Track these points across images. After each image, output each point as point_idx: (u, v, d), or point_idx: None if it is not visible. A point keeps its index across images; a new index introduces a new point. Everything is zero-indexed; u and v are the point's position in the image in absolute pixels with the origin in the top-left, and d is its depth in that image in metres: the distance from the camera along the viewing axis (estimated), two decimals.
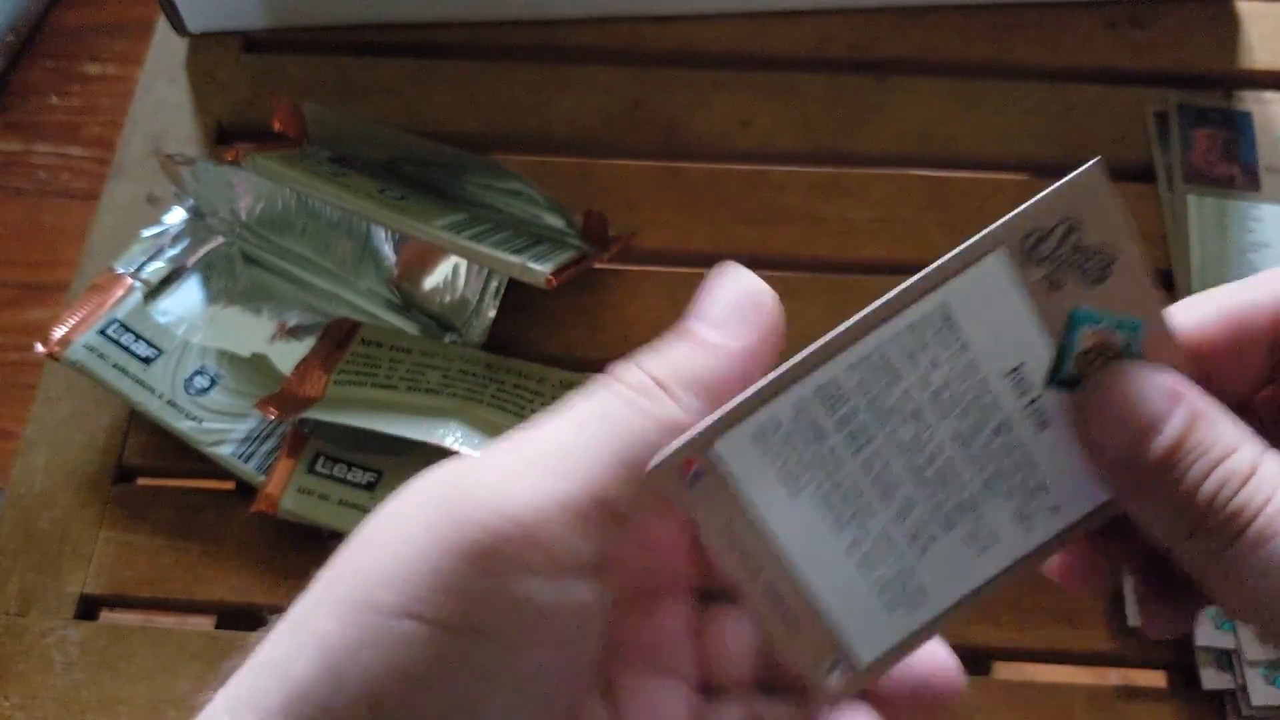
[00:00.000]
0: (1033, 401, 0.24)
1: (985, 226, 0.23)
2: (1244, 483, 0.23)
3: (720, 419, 0.23)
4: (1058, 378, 0.24)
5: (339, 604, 0.22)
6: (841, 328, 0.23)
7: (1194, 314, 0.25)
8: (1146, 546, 0.25)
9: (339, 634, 0.21)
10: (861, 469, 0.24)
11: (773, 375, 0.23)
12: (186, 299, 0.51)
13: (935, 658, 0.27)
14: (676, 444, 0.23)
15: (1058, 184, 0.23)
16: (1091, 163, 0.23)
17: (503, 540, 0.22)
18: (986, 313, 0.23)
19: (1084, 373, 0.24)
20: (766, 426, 0.23)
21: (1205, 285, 0.50)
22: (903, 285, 0.23)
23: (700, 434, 0.23)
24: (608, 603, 0.24)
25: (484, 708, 0.22)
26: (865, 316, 0.23)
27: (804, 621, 0.25)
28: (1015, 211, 0.23)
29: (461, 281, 0.51)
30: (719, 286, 0.25)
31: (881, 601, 0.25)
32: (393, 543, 0.22)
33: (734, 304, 0.25)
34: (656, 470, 0.23)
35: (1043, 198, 0.23)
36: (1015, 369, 0.24)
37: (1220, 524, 0.23)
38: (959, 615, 0.26)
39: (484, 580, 0.22)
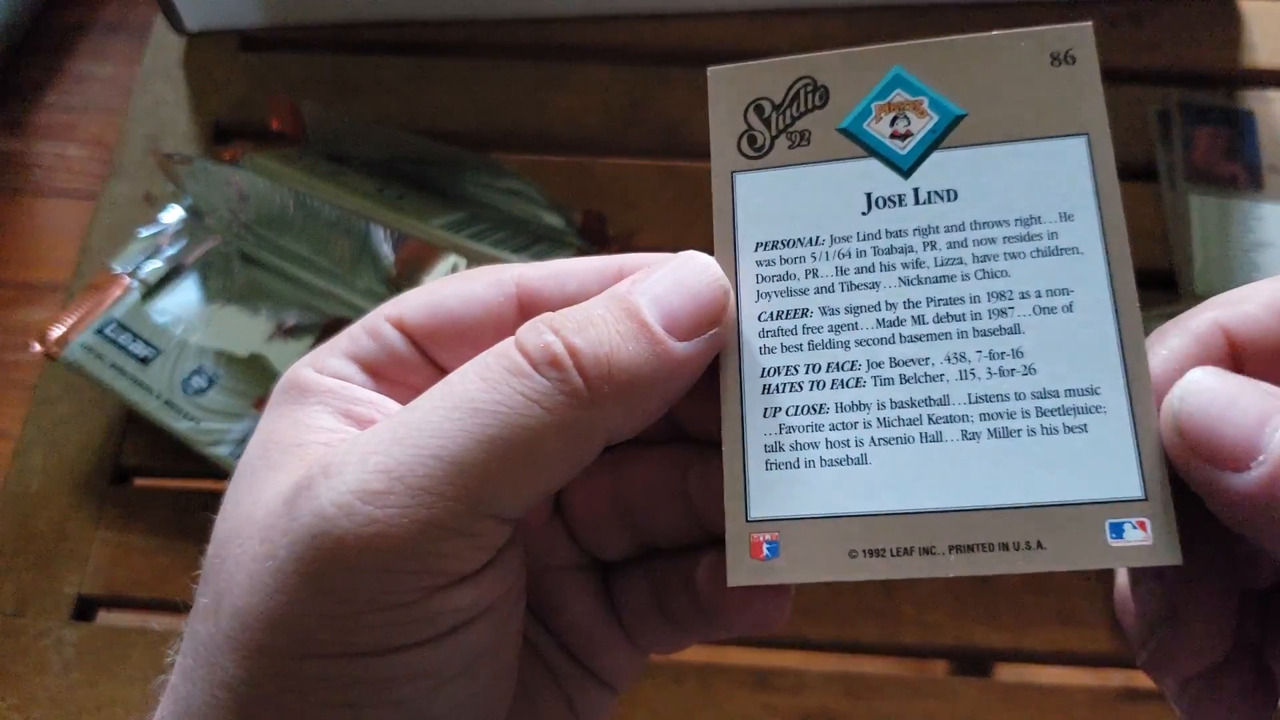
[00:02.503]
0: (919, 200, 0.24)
1: None
2: None
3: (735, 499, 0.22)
4: (895, 158, 0.24)
5: (239, 647, 0.21)
6: None
7: (1238, 311, 0.22)
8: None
9: (246, 680, 0.20)
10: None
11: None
12: (184, 298, 0.51)
13: None
14: (730, 552, 0.21)
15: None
16: None
17: (383, 578, 0.20)
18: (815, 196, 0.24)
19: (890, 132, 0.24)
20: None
21: (1207, 285, 0.50)
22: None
23: (737, 523, 0.22)
24: (515, 587, 0.23)
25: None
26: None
27: None
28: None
29: None
30: (683, 270, 0.22)
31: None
32: (272, 590, 0.21)
33: (693, 299, 0.22)
34: (739, 585, 0.21)
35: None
36: (872, 198, 0.24)
37: None
38: None
39: (362, 612, 0.20)
